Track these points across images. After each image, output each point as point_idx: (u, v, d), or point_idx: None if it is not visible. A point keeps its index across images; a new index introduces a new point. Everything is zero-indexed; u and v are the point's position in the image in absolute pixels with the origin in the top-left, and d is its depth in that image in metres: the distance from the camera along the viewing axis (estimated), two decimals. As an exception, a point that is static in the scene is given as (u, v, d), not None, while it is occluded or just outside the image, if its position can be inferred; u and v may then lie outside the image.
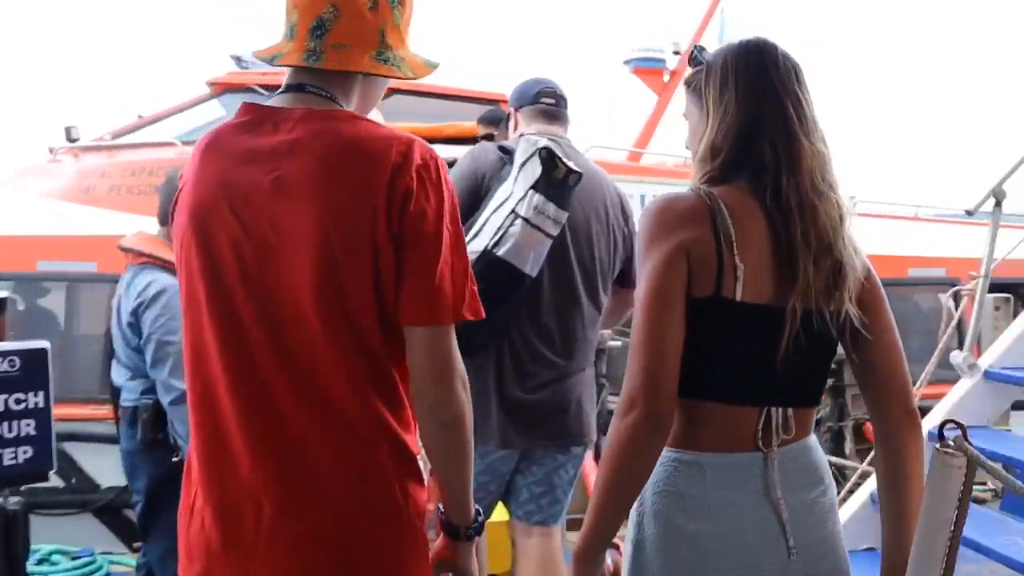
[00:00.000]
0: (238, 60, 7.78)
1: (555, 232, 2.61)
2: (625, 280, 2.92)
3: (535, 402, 2.73)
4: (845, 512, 3.28)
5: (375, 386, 1.49)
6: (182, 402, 2.84)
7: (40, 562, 4.85)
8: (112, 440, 5.59)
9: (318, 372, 1.47)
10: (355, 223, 1.43)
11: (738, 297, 1.55)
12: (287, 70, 1.60)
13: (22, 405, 3.01)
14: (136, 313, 3.09)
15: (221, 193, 1.51)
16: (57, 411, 5.65)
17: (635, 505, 1.63)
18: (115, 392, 3.31)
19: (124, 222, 5.61)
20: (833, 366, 3.97)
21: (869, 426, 5.84)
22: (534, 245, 2.58)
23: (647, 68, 9.14)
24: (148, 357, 3.07)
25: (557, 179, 2.57)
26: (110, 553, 5.27)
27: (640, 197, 6.68)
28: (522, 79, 2.97)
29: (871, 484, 3.37)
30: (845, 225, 1.61)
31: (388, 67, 1.57)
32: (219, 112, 7.59)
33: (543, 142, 2.59)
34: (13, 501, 3.11)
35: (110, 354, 3.33)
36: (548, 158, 2.55)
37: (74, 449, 5.64)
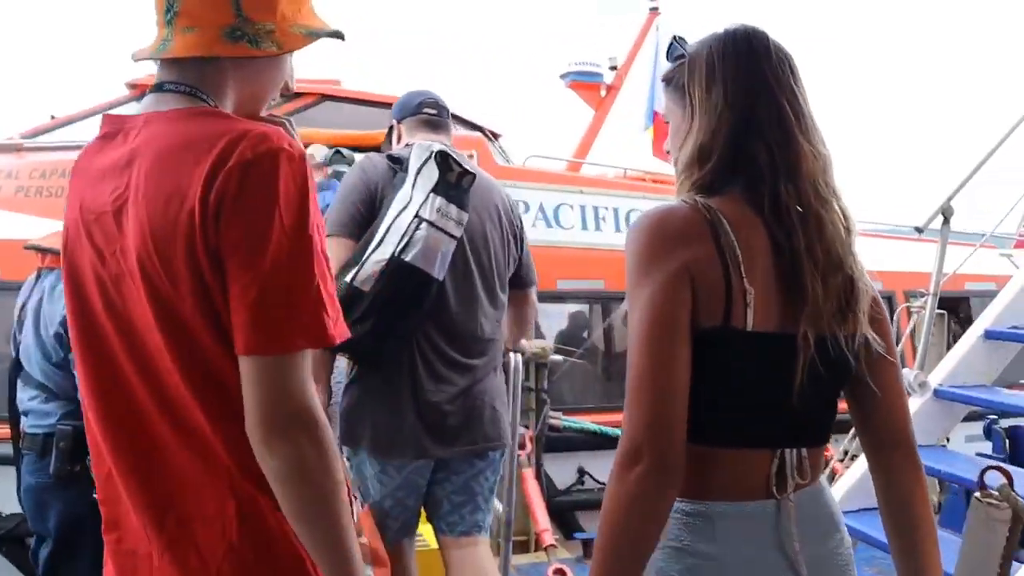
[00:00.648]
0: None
1: (458, 233, 2.59)
2: (520, 281, 2.93)
3: (451, 409, 2.67)
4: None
5: (238, 423, 1.24)
6: None
7: None
8: (10, 462, 5.24)
9: (185, 409, 1.28)
10: (170, 239, 1.22)
11: (750, 327, 1.34)
12: None
13: None
14: (65, 323, 2.74)
15: (81, 220, 1.33)
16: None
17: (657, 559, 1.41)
18: (16, 417, 2.84)
19: (33, 226, 5.27)
20: None
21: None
22: (440, 247, 2.55)
23: (584, 82, 9.09)
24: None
25: (451, 181, 2.56)
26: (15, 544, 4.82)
27: (580, 208, 6.56)
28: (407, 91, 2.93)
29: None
30: (853, 237, 1.43)
31: (240, 45, 1.32)
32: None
33: (436, 147, 2.59)
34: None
35: (14, 371, 2.87)
36: (443, 161, 2.56)
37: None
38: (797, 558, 1.40)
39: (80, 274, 1.35)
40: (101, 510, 1.44)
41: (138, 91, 7.07)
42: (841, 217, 1.42)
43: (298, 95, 6.87)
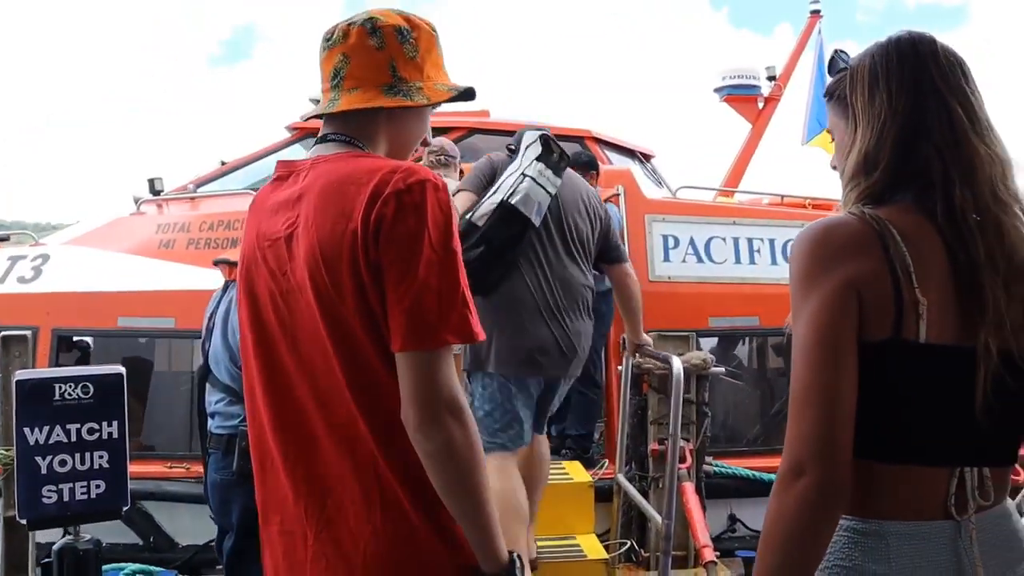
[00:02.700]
0: (317, 103, 7.71)
1: (552, 191, 3.48)
2: (611, 256, 3.87)
3: (561, 340, 3.49)
4: None
5: (392, 419, 1.44)
6: None
7: None
8: (190, 499, 5.62)
9: (345, 412, 1.48)
10: (337, 256, 1.44)
11: (922, 339, 1.29)
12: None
13: (95, 436, 2.85)
14: None
15: (258, 247, 1.61)
16: (137, 468, 5.73)
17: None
18: (205, 419, 3.08)
19: (201, 277, 5.62)
20: None
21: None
22: (537, 198, 3.40)
23: (740, 95, 8.70)
24: None
25: (552, 156, 3.49)
26: (192, 575, 5.19)
27: (732, 240, 6.27)
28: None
29: None
30: (1012, 220, 1.35)
31: (398, 98, 1.59)
32: (299, 155, 7.54)
33: (540, 133, 3.57)
34: (85, 540, 2.91)
35: (202, 376, 3.10)
36: (546, 141, 3.52)
37: (152, 507, 5.62)
38: None
39: (256, 291, 1.61)
40: (258, 500, 1.65)
41: (299, 134, 7.41)
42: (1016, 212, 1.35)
43: (448, 129, 6.99)
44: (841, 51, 1.54)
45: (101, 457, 2.92)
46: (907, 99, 1.38)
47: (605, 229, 3.76)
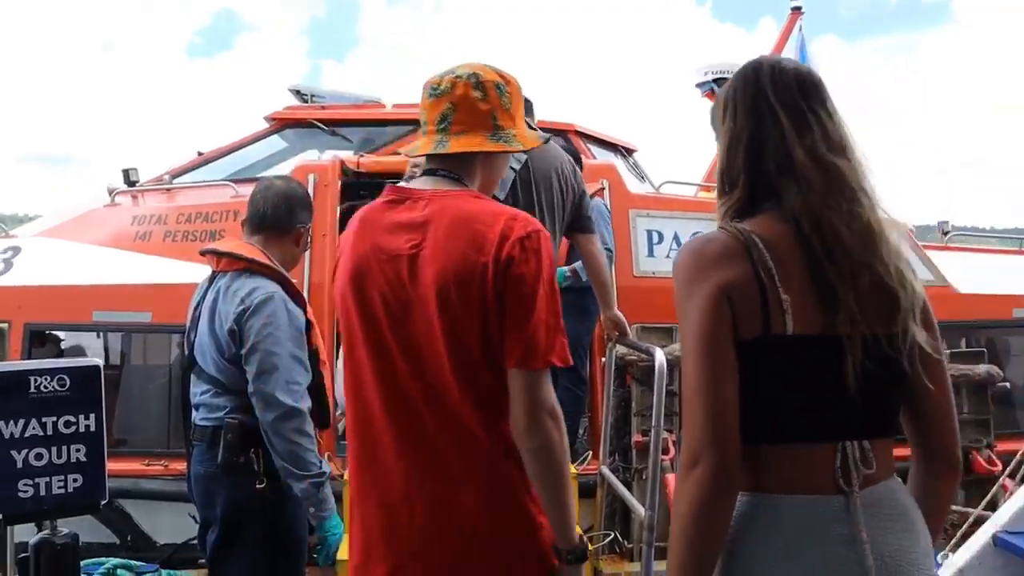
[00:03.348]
0: (297, 93, 7.62)
1: (517, 167, 3.64)
2: (580, 226, 3.98)
3: None
4: (960, 558, 3.04)
5: (493, 411, 1.81)
6: (287, 418, 2.74)
7: (106, 575, 4.70)
8: (169, 497, 5.53)
9: (451, 398, 1.82)
10: (468, 282, 1.78)
11: (790, 332, 1.49)
12: (351, 111, 3.98)
13: (71, 428, 2.80)
14: (239, 320, 2.81)
15: (373, 256, 1.91)
16: (113, 466, 5.61)
17: (730, 551, 1.54)
18: (188, 410, 3.01)
19: (179, 270, 5.51)
20: None
21: (977, 456, 5.48)
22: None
23: (720, 92, 8.67)
24: (252, 368, 2.78)
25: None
26: (174, 570, 5.10)
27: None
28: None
29: (992, 525, 3.05)
30: (884, 238, 1.53)
31: (501, 144, 1.96)
32: (279, 146, 7.45)
33: None
34: (62, 534, 2.84)
35: (187, 367, 3.03)
36: None
37: (129, 506, 5.52)
38: (864, 550, 1.45)
39: (368, 294, 1.90)
40: (355, 480, 1.98)
41: (277, 124, 7.32)
42: (861, 220, 1.52)
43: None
44: (721, 78, 2.07)
45: (78, 450, 2.84)
46: (749, 121, 1.59)
47: (578, 200, 3.96)
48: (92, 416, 2.84)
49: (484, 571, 1.85)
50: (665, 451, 4.71)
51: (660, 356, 3.79)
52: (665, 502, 4.42)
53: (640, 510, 4.15)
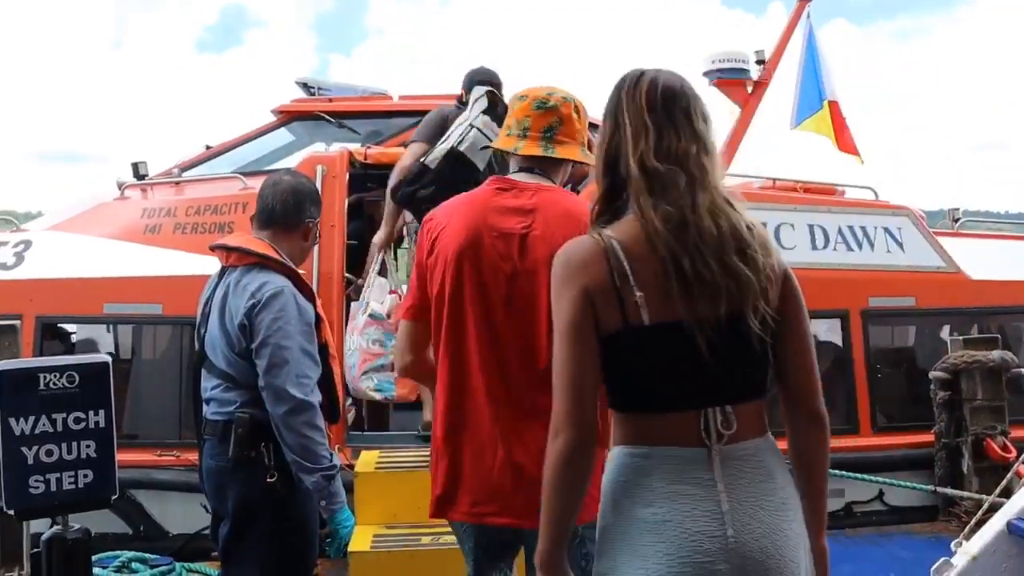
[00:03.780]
0: (305, 87, 7.60)
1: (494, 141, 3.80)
2: None
3: None
4: (974, 546, 2.98)
5: None
6: (298, 412, 2.74)
7: (120, 568, 4.78)
8: (181, 488, 5.56)
9: (542, 358, 2.18)
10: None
11: (646, 323, 1.74)
12: (358, 103, 5.50)
13: (81, 425, 2.83)
14: (250, 315, 2.81)
15: (485, 232, 2.36)
16: (125, 457, 5.62)
17: (601, 499, 1.84)
18: (199, 405, 3.02)
19: (189, 263, 5.52)
20: (948, 377, 5.46)
21: (991, 443, 5.49)
22: (481, 145, 3.95)
23: (729, 79, 8.60)
24: (262, 362, 2.78)
25: (497, 110, 3.96)
26: (188, 562, 5.11)
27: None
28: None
29: (1006, 512, 3.02)
30: (730, 230, 1.76)
31: (586, 156, 2.48)
32: (286, 139, 7.44)
33: (487, 88, 4.22)
34: (74, 529, 2.87)
35: (198, 363, 3.04)
36: (491, 95, 4.17)
37: (142, 496, 5.55)
38: (721, 496, 1.73)
39: (481, 264, 2.35)
40: (446, 422, 2.40)
41: (285, 117, 7.30)
42: (720, 217, 1.76)
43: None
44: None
45: (88, 446, 2.87)
46: (607, 132, 1.83)
47: None
48: (101, 412, 2.86)
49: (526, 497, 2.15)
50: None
51: None
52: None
53: None
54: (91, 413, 2.83)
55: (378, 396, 4.73)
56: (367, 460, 4.90)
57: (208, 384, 2.96)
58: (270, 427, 2.78)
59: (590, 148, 2.42)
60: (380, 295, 4.98)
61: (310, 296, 2.94)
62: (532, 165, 2.47)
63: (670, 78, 1.85)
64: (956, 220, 8.68)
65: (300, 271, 3.02)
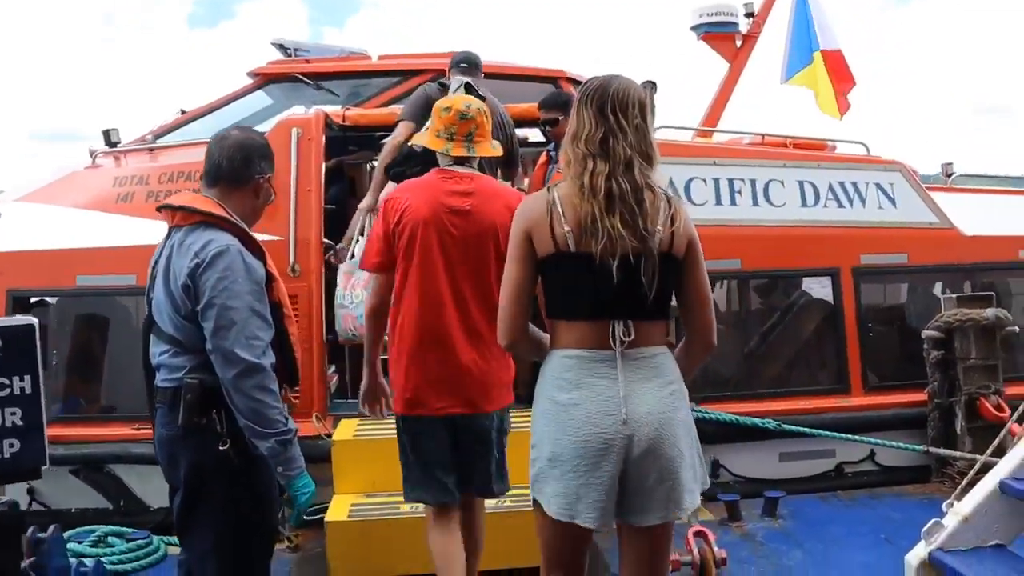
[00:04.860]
0: (281, 48, 7.39)
1: None
2: (507, 161, 4.99)
3: None
4: (966, 506, 2.94)
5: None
6: (248, 375, 2.64)
7: (96, 543, 4.68)
8: (155, 461, 5.42)
9: (491, 296, 3.06)
10: (503, 227, 3.01)
11: (572, 250, 2.44)
12: (336, 64, 6.66)
13: (6, 391, 2.72)
14: (193, 275, 2.67)
15: (440, 208, 3.26)
16: (103, 431, 5.50)
17: (537, 387, 2.59)
18: (151, 372, 2.89)
19: (162, 231, 5.35)
20: (941, 335, 5.73)
21: (984, 402, 5.47)
22: None
23: (717, 33, 8.41)
24: (209, 324, 2.65)
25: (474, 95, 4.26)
26: (166, 535, 5.02)
27: (713, 181, 6.05)
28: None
29: (998, 472, 2.99)
30: (642, 193, 2.45)
31: (495, 149, 3.45)
32: (264, 102, 7.24)
33: (466, 79, 4.80)
34: (2, 501, 2.78)
35: (147, 328, 2.91)
36: (468, 86, 4.65)
37: (121, 471, 5.45)
38: (620, 386, 2.41)
39: (440, 232, 3.23)
40: (419, 337, 3.27)
41: (261, 80, 7.11)
42: (637, 183, 2.45)
43: (414, 72, 6.73)
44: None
45: (14, 414, 2.75)
46: (574, 120, 2.54)
47: (508, 138, 4.94)
48: (27, 378, 2.74)
49: (494, 399, 3.35)
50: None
51: None
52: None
53: None
54: (16, 379, 2.70)
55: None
56: (345, 428, 4.81)
57: (157, 350, 2.83)
58: (221, 392, 2.66)
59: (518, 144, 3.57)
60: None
61: (259, 253, 2.79)
62: (460, 160, 3.38)
63: (623, 83, 2.53)
64: (949, 175, 8.55)
65: (251, 230, 2.87)
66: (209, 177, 2.88)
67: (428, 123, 3.73)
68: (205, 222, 2.75)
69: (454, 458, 3.34)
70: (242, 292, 2.64)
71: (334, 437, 4.60)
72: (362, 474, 4.47)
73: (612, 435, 2.36)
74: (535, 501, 2.55)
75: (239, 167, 2.85)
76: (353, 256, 5.11)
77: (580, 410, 2.39)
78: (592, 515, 2.40)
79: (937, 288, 6.55)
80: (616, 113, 2.46)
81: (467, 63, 5.03)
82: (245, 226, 2.81)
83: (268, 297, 2.75)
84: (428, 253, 3.21)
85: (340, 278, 5.18)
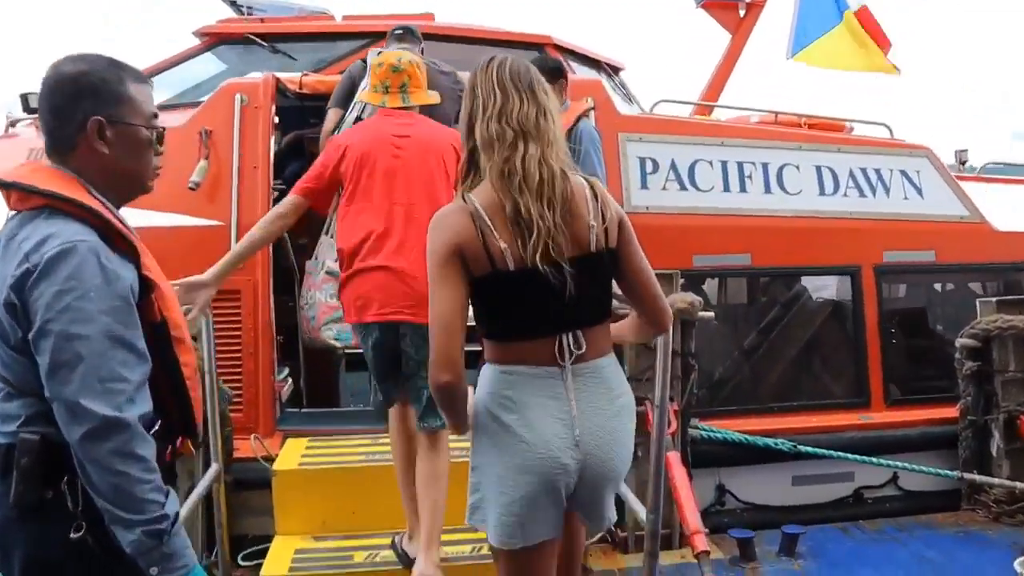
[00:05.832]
0: (234, 4, 6.58)
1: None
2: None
3: None
4: None
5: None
6: (103, 436, 1.77)
7: None
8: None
9: (438, 201, 3.21)
10: (439, 150, 3.47)
11: (512, 268, 2.18)
12: (296, 23, 6.34)
13: None
14: (21, 288, 1.81)
15: (384, 140, 3.45)
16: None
17: (474, 404, 2.33)
18: None
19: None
20: (977, 344, 4.94)
21: None
22: None
23: (719, 2, 7.67)
24: (44, 361, 1.79)
25: None
26: None
27: (720, 164, 5.34)
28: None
29: None
30: (565, 186, 2.21)
31: (431, 96, 3.69)
32: (217, 67, 6.43)
33: (402, 46, 4.61)
34: None
35: None
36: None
37: None
38: (572, 403, 2.26)
39: (383, 153, 3.42)
40: (372, 245, 3.38)
41: (211, 40, 6.35)
42: (557, 177, 2.21)
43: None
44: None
45: None
46: (468, 103, 2.31)
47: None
48: None
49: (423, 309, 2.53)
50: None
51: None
52: (667, 488, 3.64)
53: (639, 511, 3.35)
54: None
55: (338, 344, 4.72)
56: (291, 452, 4.05)
57: None
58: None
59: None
60: (333, 252, 4.49)
61: (128, 251, 1.93)
62: (399, 107, 3.56)
63: (517, 60, 2.31)
64: (963, 163, 7.91)
65: (115, 213, 1.98)
66: (45, 143, 2.00)
67: (364, 83, 4.05)
68: (50, 206, 1.88)
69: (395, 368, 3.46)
70: (94, 313, 1.79)
71: (275, 466, 3.84)
72: (310, 511, 3.73)
73: (564, 459, 2.23)
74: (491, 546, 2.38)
75: (56, 117, 1.94)
76: (315, 257, 4.77)
77: (529, 432, 2.21)
78: (541, 532, 2.31)
79: (971, 289, 5.92)
80: (536, 90, 2.26)
81: (403, 30, 4.89)
82: (110, 209, 1.99)
83: (145, 315, 1.94)
84: (372, 173, 3.37)
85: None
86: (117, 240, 1.88)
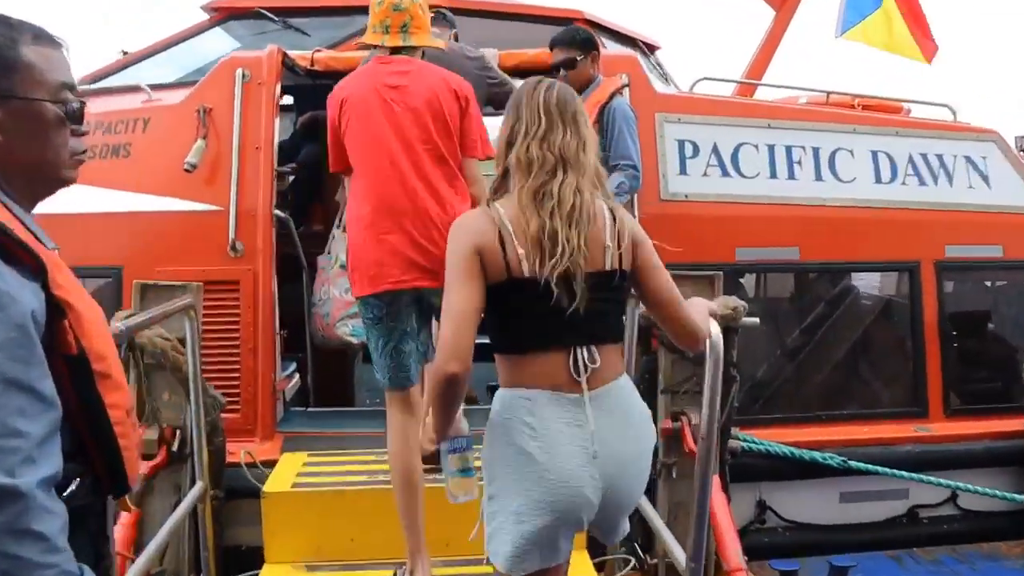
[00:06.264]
0: (244, -20, 6.21)
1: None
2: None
3: None
4: None
5: (450, 179, 3.26)
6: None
7: None
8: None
9: (441, 154, 3.25)
10: (442, 100, 3.25)
11: (527, 275, 2.23)
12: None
13: None
14: None
15: (380, 87, 3.27)
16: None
17: (487, 432, 2.33)
18: None
19: (75, 197, 4.25)
20: None
21: None
22: None
23: (764, -24, 7.19)
24: None
25: None
26: None
27: (767, 149, 4.91)
28: None
29: None
30: (588, 206, 2.27)
31: (434, 40, 3.49)
32: (230, 44, 6.08)
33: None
34: None
35: None
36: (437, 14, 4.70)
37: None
38: (592, 436, 2.25)
39: (372, 109, 3.26)
40: (374, 213, 3.24)
41: (221, 14, 6.03)
42: (583, 195, 2.27)
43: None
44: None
45: None
46: (511, 121, 2.36)
47: (499, 82, 4.77)
48: None
49: (437, 239, 3.10)
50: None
51: (716, 328, 2.48)
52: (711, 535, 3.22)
53: (679, 557, 2.86)
54: None
55: (355, 340, 4.56)
56: (285, 470, 3.68)
57: None
58: None
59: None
60: (345, 246, 4.08)
61: (31, 265, 1.49)
62: (397, 48, 3.34)
63: (564, 87, 2.41)
64: (1023, 149, 7.41)
65: (23, 209, 1.60)
66: None
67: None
68: None
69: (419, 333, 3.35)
70: (36, 379, 1.44)
71: (266, 487, 3.47)
72: (303, 537, 3.37)
73: (587, 491, 2.25)
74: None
75: None
76: (328, 252, 4.62)
77: (551, 462, 2.23)
78: (554, 557, 2.34)
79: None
80: (580, 121, 2.36)
81: (434, 12, 4.43)
82: (10, 209, 1.60)
83: (57, 347, 1.53)
84: (373, 124, 3.28)
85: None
86: (16, 251, 1.48)
